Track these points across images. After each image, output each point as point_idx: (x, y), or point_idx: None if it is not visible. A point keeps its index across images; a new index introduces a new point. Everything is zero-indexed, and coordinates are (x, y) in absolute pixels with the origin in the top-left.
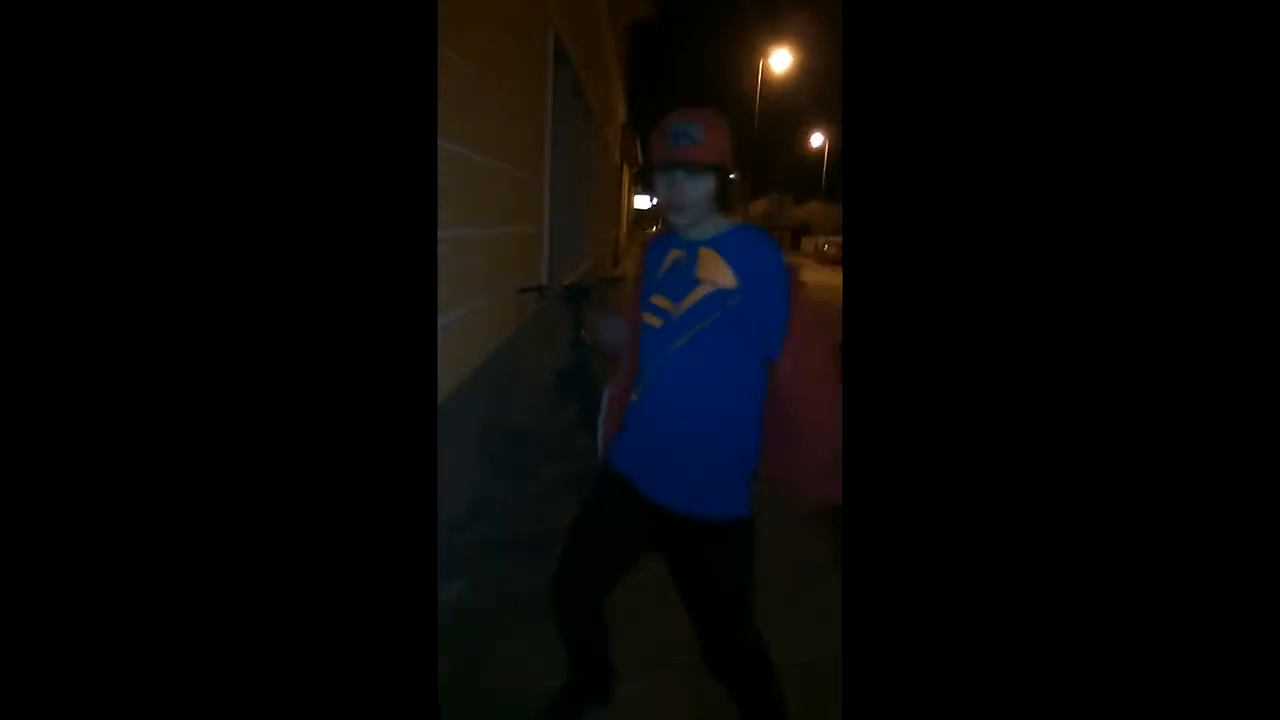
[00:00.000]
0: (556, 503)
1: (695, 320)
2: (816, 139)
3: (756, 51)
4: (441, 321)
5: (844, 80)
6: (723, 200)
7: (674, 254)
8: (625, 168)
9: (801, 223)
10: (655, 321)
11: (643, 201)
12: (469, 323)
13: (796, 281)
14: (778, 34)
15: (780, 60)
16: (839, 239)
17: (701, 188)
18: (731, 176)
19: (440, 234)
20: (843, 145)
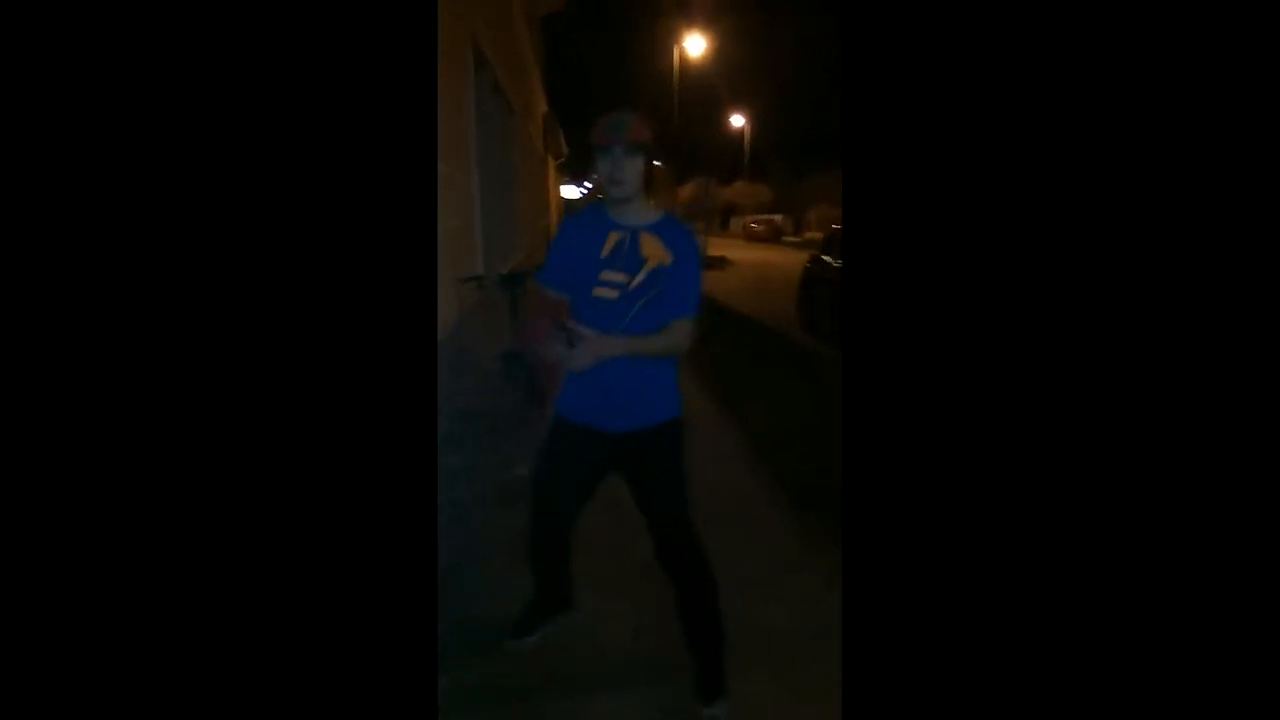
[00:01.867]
0: (509, 470)
1: (644, 292)
2: (737, 120)
3: (671, 37)
4: None
5: (844, 78)
6: (649, 181)
7: (615, 236)
8: (550, 159)
9: (729, 203)
10: (610, 294)
11: (570, 191)
12: None
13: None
14: (690, 19)
15: (695, 45)
16: (764, 217)
17: (636, 164)
18: (655, 162)
19: None
20: (842, 144)
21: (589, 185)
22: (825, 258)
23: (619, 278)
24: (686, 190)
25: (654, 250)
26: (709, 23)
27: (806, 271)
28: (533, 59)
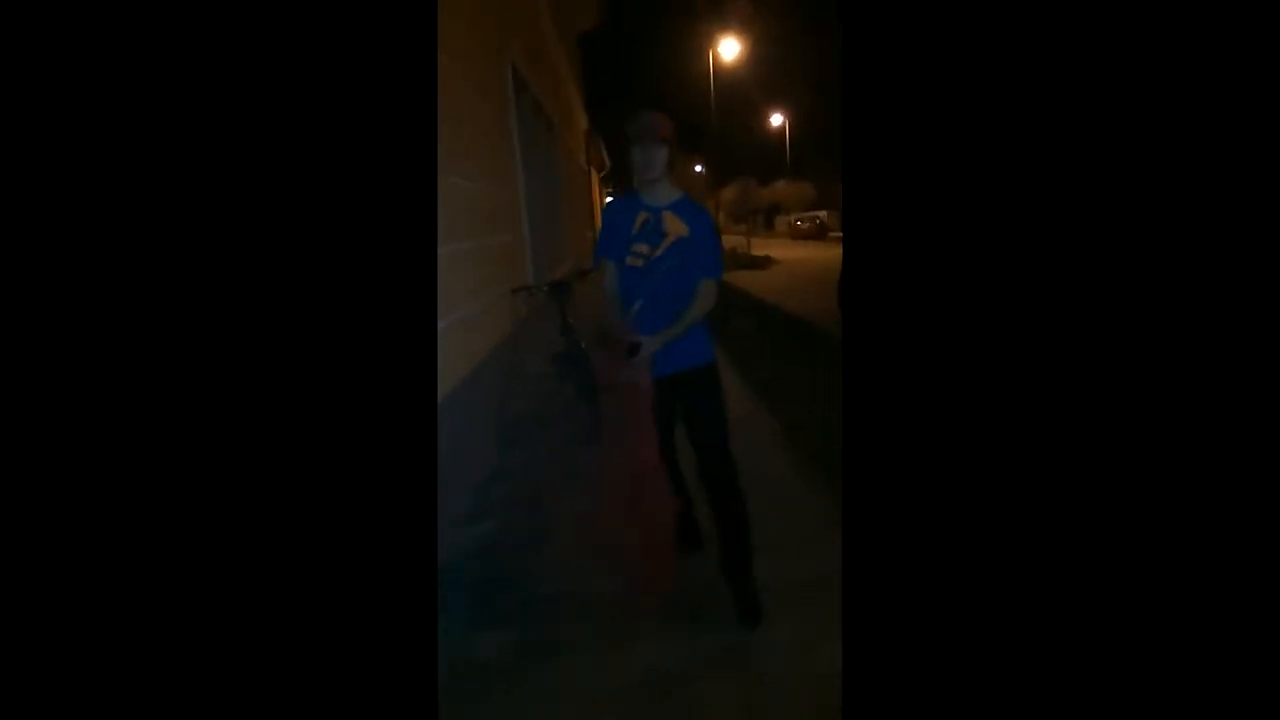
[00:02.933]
0: (563, 461)
1: (665, 261)
2: (775, 119)
3: (705, 42)
4: (445, 324)
5: (844, 75)
6: (671, 167)
7: (643, 215)
8: (593, 171)
9: (771, 203)
10: (638, 262)
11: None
12: (472, 323)
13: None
14: (723, 23)
15: (729, 48)
16: (808, 214)
17: (663, 154)
18: (675, 152)
19: (439, 251)
20: (843, 142)
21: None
22: None
23: (644, 249)
24: (728, 192)
25: (674, 226)
26: (742, 26)
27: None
28: (571, 77)
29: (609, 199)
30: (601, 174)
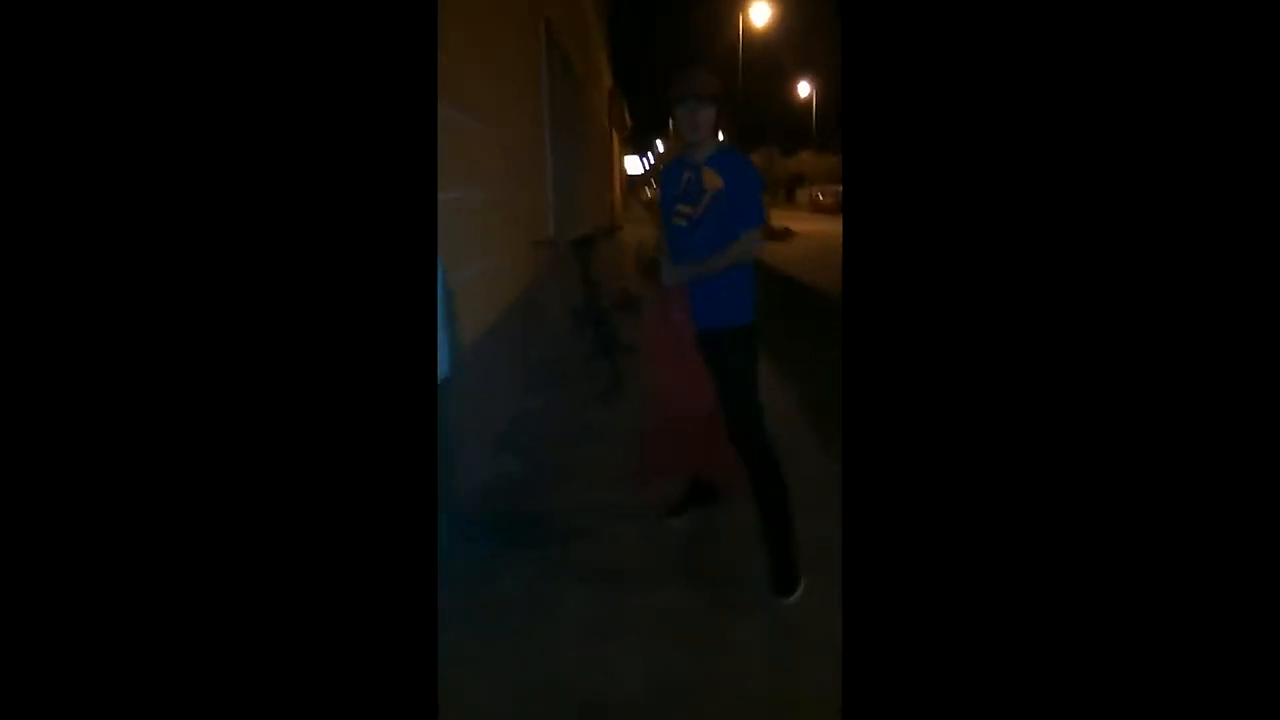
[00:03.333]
0: (584, 411)
1: (706, 218)
2: (803, 89)
3: (736, 6)
4: (468, 274)
5: (843, 78)
6: (718, 127)
7: (686, 175)
8: (615, 133)
9: (795, 174)
10: (682, 222)
11: (634, 165)
12: (496, 274)
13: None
14: None
15: (760, 13)
16: (832, 187)
17: (709, 112)
18: (721, 110)
19: (454, 195)
20: (843, 142)
21: (651, 159)
22: None
23: (687, 209)
24: (755, 160)
25: (711, 180)
26: None
27: None
28: (599, 34)
29: (628, 163)
30: (623, 135)
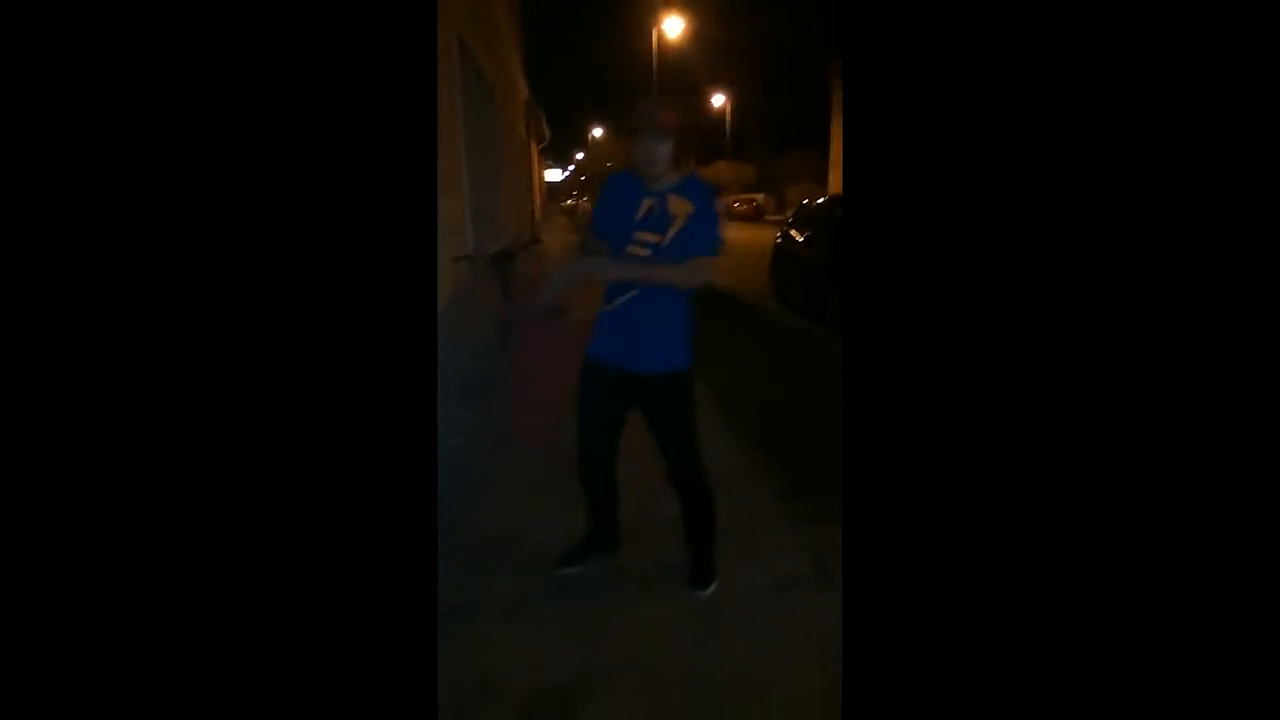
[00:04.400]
0: (504, 420)
1: (675, 247)
2: (717, 99)
3: (649, 19)
4: None
5: (843, 79)
6: (676, 158)
7: (648, 202)
8: (533, 143)
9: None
10: (643, 251)
11: (553, 174)
12: None
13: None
14: (668, 1)
15: (673, 26)
16: (746, 196)
17: (668, 147)
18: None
19: None
20: (844, 145)
21: (570, 168)
22: (793, 232)
23: (652, 238)
24: None
25: (679, 207)
26: (686, 4)
27: (776, 247)
28: (513, 45)
29: (548, 174)
30: (541, 145)
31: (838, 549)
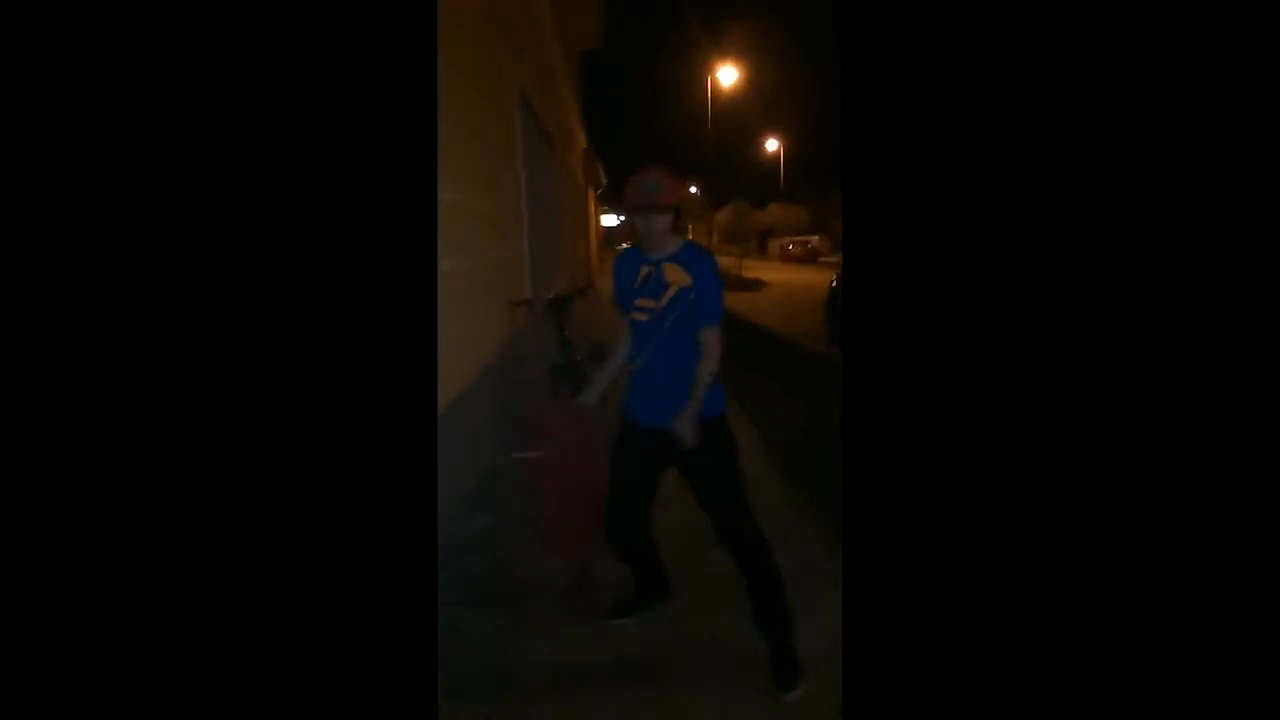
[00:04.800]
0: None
1: (670, 311)
2: (770, 145)
3: (703, 69)
4: (455, 332)
5: (843, 85)
6: (675, 225)
7: (645, 270)
8: (590, 190)
9: (765, 226)
10: (642, 317)
11: (609, 220)
12: (476, 332)
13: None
14: (722, 51)
15: (727, 75)
16: (799, 238)
17: (665, 221)
18: (680, 211)
19: (444, 265)
20: (841, 152)
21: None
22: None
23: (648, 303)
24: (722, 215)
25: (676, 276)
26: (741, 54)
27: (831, 289)
28: (572, 96)
29: (604, 219)
30: (598, 192)
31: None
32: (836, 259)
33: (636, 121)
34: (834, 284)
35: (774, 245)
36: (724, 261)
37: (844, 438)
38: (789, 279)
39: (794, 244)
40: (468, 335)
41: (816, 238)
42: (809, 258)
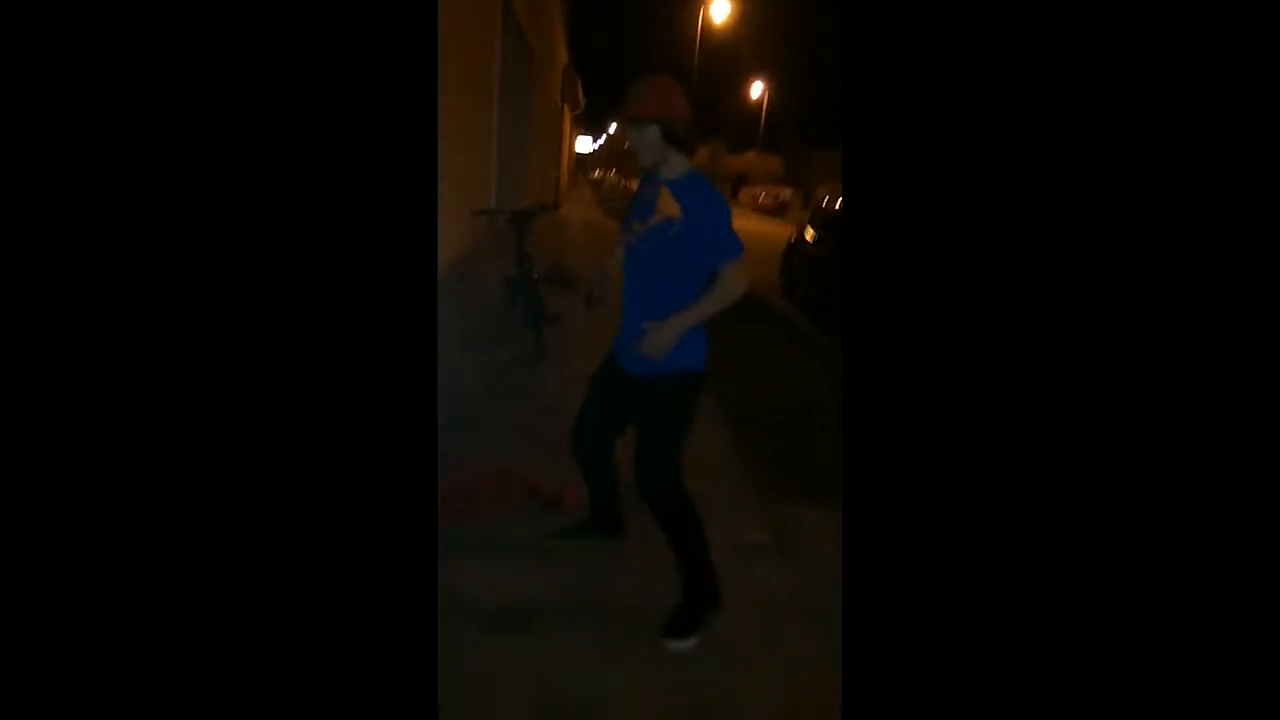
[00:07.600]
0: (507, 376)
1: (649, 240)
2: (756, 89)
3: (696, 1)
4: None
5: (843, 66)
6: (678, 144)
7: (647, 189)
8: (566, 109)
9: (740, 172)
10: (630, 239)
11: (585, 144)
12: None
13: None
14: None
15: (720, 10)
16: (771, 189)
17: (648, 136)
18: (678, 123)
19: None
20: (843, 139)
21: (601, 140)
22: (807, 230)
23: (637, 226)
24: (700, 154)
25: (665, 204)
26: None
27: (789, 244)
28: (558, 12)
29: (578, 143)
30: (575, 113)
31: (798, 525)
32: (807, 213)
33: (622, 47)
34: (791, 238)
35: (745, 194)
36: None
37: (844, 438)
38: (755, 229)
39: (765, 194)
40: None
41: (789, 190)
42: (779, 210)
